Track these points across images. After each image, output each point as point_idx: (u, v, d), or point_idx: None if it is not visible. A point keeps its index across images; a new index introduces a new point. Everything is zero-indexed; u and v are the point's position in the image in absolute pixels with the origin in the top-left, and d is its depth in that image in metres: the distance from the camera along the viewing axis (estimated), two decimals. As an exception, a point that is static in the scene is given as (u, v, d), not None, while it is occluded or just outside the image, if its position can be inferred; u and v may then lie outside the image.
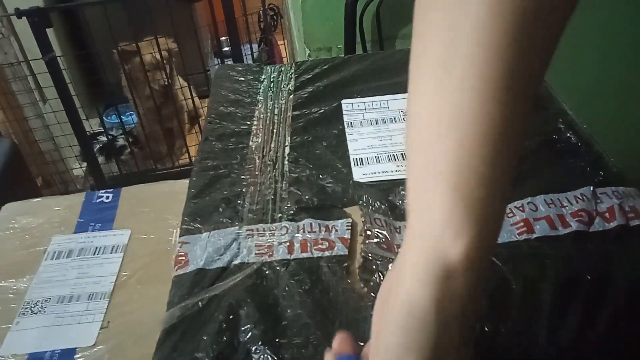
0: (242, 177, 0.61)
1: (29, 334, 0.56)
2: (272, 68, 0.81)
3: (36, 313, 0.58)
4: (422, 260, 0.28)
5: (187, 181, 0.75)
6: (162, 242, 0.66)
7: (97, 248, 0.66)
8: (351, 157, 0.64)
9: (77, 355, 0.53)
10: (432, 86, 0.28)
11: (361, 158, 0.64)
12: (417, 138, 0.30)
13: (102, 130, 1.85)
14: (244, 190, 0.59)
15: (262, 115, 0.71)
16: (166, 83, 1.80)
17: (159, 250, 0.64)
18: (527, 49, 0.26)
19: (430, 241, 0.28)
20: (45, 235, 0.68)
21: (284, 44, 1.99)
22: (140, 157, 1.92)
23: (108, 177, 1.76)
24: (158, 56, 1.72)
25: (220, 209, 0.57)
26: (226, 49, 2.19)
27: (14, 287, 0.61)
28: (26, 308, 0.59)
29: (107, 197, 0.73)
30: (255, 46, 2.14)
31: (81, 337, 0.55)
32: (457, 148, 0.27)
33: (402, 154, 0.64)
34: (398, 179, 0.60)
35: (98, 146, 1.88)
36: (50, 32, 1.44)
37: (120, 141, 1.92)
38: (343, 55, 1.31)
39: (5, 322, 0.57)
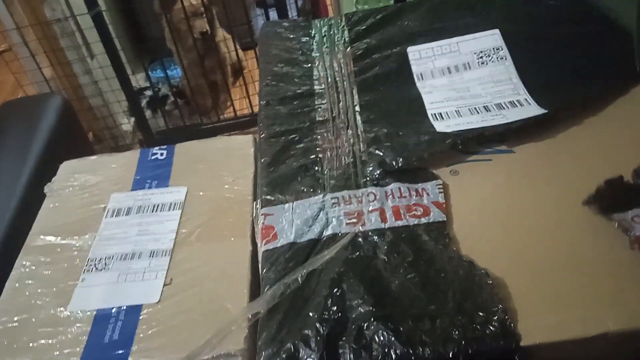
0: (316, 142, 0.59)
1: (95, 290, 0.57)
2: (322, 22, 0.78)
3: (100, 270, 0.59)
4: None
5: (240, 137, 0.75)
6: (219, 198, 0.65)
7: (155, 205, 0.66)
8: (429, 113, 0.60)
9: (143, 312, 0.54)
10: None
11: (440, 113, 0.60)
12: None
13: (149, 85, 1.86)
14: (320, 155, 0.57)
15: (322, 74, 0.68)
16: (207, 30, 1.77)
17: (217, 207, 0.64)
18: None
19: None
20: (104, 192, 0.69)
21: (328, -9, 1.93)
22: (186, 111, 1.93)
23: (155, 131, 1.78)
24: (198, 1, 1.69)
25: (299, 177, 0.55)
26: (269, -2, 2.14)
27: (77, 245, 0.63)
28: (90, 265, 0.60)
29: (162, 154, 0.73)
30: (298, -6, 2.08)
31: (146, 294, 0.56)
32: None
33: (484, 106, 0.60)
34: (484, 127, 0.56)
35: (145, 101, 1.89)
36: (94, -15, 1.44)
37: (163, 90, 1.92)
38: (393, 3, 1.26)
39: (71, 279, 0.59)
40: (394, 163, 0.53)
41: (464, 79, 0.64)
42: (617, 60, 0.62)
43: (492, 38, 0.67)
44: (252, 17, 2.18)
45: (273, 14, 1.94)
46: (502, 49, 0.65)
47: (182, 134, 1.74)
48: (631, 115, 0.57)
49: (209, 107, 1.96)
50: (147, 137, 1.74)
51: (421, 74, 0.65)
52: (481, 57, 0.65)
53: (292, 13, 1.86)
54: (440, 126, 0.58)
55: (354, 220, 0.49)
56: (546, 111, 0.56)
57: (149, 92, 1.90)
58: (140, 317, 0.54)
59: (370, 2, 1.43)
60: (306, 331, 0.41)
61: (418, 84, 0.64)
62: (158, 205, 0.66)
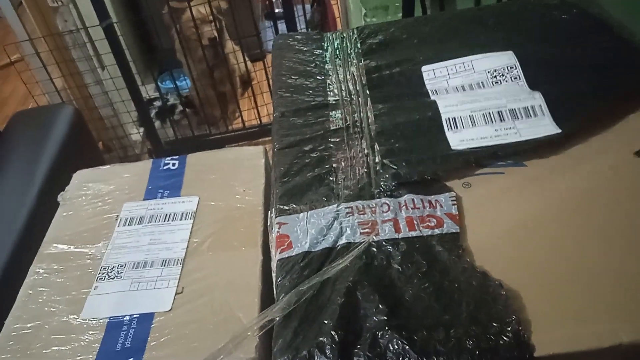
0: (330, 152, 0.59)
1: (107, 298, 0.58)
2: (334, 35, 0.79)
3: (113, 278, 0.60)
4: None
5: (250, 148, 0.75)
6: (230, 208, 0.66)
7: (167, 215, 0.66)
8: (443, 118, 0.61)
9: (155, 320, 0.55)
10: None
11: (454, 118, 0.60)
12: None
13: (158, 95, 1.88)
14: (334, 166, 0.57)
15: (335, 86, 0.68)
16: (215, 36, 1.79)
17: (228, 217, 0.64)
18: None
19: None
20: (116, 201, 0.69)
21: (337, 3, 1.95)
22: (194, 122, 1.94)
23: (164, 141, 1.79)
24: (207, 9, 1.71)
25: (314, 187, 0.55)
26: (278, 10, 2.16)
27: (90, 253, 0.63)
28: (103, 273, 0.60)
29: (174, 164, 0.74)
30: (307, 7, 2.10)
31: (158, 302, 0.56)
32: None
33: (498, 112, 0.60)
34: (497, 145, 0.57)
35: (154, 111, 1.90)
36: (106, -2, 1.46)
37: (171, 100, 1.94)
38: (401, 16, 1.27)
39: (84, 287, 0.59)
40: (408, 176, 0.54)
41: (479, 94, 0.64)
42: (631, 76, 0.63)
43: (505, 57, 0.68)
44: (261, 29, 2.20)
45: (282, 27, 1.96)
46: (515, 68, 0.66)
47: (190, 144, 1.75)
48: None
49: (217, 117, 1.98)
50: (156, 147, 1.76)
51: (435, 91, 0.66)
52: (495, 77, 0.66)
53: (301, 25, 1.87)
54: (454, 140, 0.58)
55: (368, 230, 0.49)
56: (560, 131, 0.57)
57: (158, 103, 1.92)
58: (152, 325, 0.54)
59: (378, 16, 1.45)
60: (321, 338, 0.41)
61: (432, 96, 0.65)
62: (170, 215, 0.66)
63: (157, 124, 1.82)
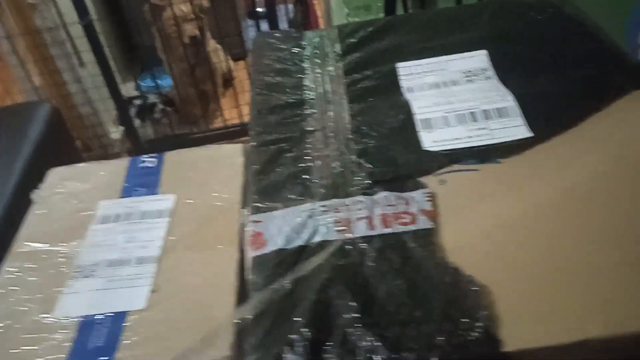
0: (306, 151, 0.59)
1: (81, 297, 0.57)
2: (314, 33, 0.79)
3: (87, 277, 0.59)
4: None
5: (229, 146, 0.75)
6: (208, 206, 0.65)
7: (143, 212, 0.66)
8: (417, 118, 0.61)
9: (128, 319, 0.54)
10: None
11: (428, 119, 0.61)
12: None
13: (139, 94, 1.86)
14: (310, 164, 0.57)
15: (312, 84, 0.68)
16: (196, 34, 1.78)
17: (205, 215, 0.64)
18: None
19: None
20: (92, 200, 0.68)
21: (319, 3, 1.95)
22: (175, 120, 1.93)
23: (144, 140, 1.78)
24: (188, 7, 1.71)
25: (289, 185, 0.55)
26: (260, 10, 2.16)
27: (64, 251, 0.62)
28: (77, 272, 0.59)
29: (151, 162, 0.73)
30: (290, 7, 2.10)
31: (132, 301, 0.56)
32: None
33: (471, 112, 0.61)
34: (471, 147, 0.57)
35: (134, 110, 1.89)
36: (85, -5, 1.44)
37: (152, 98, 1.93)
38: (383, 16, 1.27)
39: (57, 285, 0.58)
40: (382, 175, 0.54)
41: (453, 91, 0.65)
42: (605, 76, 0.64)
43: (479, 59, 0.69)
44: (243, 28, 2.19)
45: (264, 26, 1.96)
46: (489, 68, 0.67)
47: (171, 143, 1.74)
48: (616, 125, 0.58)
49: (198, 116, 1.97)
50: (136, 146, 1.74)
51: (411, 88, 0.66)
52: (469, 77, 0.66)
53: (284, 25, 1.87)
54: (427, 140, 0.58)
55: (343, 227, 0.50)
56: (532, 135, 0.57)
57: (138, 101, 1.91)
58: (126, 324, 0.54)
59: (360, 15, 1.45)
60: (292, 336, 0.41)
61: (407, 95, 0.65)
62: (146, 213, 0.66)
63: (137, 122, 1.80)
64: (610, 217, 0.48)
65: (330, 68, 0.71)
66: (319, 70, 0.71)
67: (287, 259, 0.48)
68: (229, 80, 2.08)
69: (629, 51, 0.59)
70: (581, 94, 0.62)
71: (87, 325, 0.54)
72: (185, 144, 0.79)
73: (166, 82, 2.01)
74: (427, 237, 0.48)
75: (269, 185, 0.55)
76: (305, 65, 0.72)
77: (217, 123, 1.94)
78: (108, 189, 0.70)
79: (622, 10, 0.80)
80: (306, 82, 0.69)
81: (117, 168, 0.73)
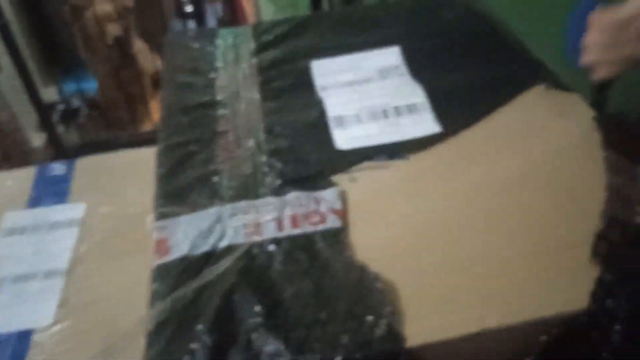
0: (216, 152, 0.58)
1: (-15, 316, 0.54)
2: (228, 32, 0.78)
3: (-9, 294, 0.56)
4: None
5: (147, 150, 0.73)
6: (120, 215, 0.63)
7: (52, 223, 0.63)
8: (330, 116, 0.61)
9: (35, 336, 0.52)
10: None
11: (341, 116, 0.61)
12: None
13: (61, 98, 1.79)
14: (219, 166, 0.56)
15: (224, 84, 0.67)
16: (120, 34, 1.72)
17: (117, 224, 0.62)
18: None
19: None
20: (-3, 211, 0.65)
21: (248, 1, 1.93)
22: (102, 125, 1.87)
23: (69, 147, 1.71)
24: (110, 7, 1.65)
25: (197, 189, 0.54)
26: (188, 9, 2.11)
27: (-34, 268, 0.59)
28: (-20, 289, 0.56)
29: (61, 170, 0.70)
30: (218, 6, 2.07)
31: (39, 317, 0.53)
32: None
33: (383, 110, 0.61)
34: (382, 145, 0.58)
35: (57, 115, 1.81)
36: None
37: (76, 102, 1.86)
38: (306, 13, 1.27)
39: (-43, 304, 0.55)
40: (293, 174, 0.54)
41: (366, 88, 0.66)
42: (509, 73, 0.66)
43: (391, 56, 0.70)
44: (171, 28, 2.14)
45: (192, 25, 1.92)
46: (402, 66, 0.68)
47: (98, 150, 1.67)
48: (520, 119, 0.60)
49: (125, 120, 1.91)
50: (60, 153, 1.67)
51: (324, 86, 0.66)
52: (382, 74, 0.67)
53: (212, 24, 1.84)
54: (340, 138, 0.59)
55: (251, 230, 0.49)
56: (441, 130, 0.59)
57: (61, 106, 1.83)
58: (32, 341, 0.51)
59: (287, 13, 1.45)
60: (194, 345, 0.40)
61: (321, 93, 0.65)
62: (55, 223, 0.63)
63: (60, 128, 1.73)
64: (513, 210, 0.50)
65: (244, 66, 0.70)
66: (232, 69, 0.70)
67: (192, 265, 0.47)
68: (157, 82, 2.03)
69: (568, 57, 0.61)
70: (488, 89, 0.64)
71: (-10, 345, 0.51)
72: (112, 149, 0.76)
73: (91, 85, 1.94)
74: (336, 237, 0.48)
75: (175, 189, 0.54)
76: (219, 64, 0.71)
77: (147, 126, 1.88)
78: (15, 199, 0.67)
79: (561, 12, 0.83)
80: (219, 82, 0.68)
81: (24, 177, 0.70)
